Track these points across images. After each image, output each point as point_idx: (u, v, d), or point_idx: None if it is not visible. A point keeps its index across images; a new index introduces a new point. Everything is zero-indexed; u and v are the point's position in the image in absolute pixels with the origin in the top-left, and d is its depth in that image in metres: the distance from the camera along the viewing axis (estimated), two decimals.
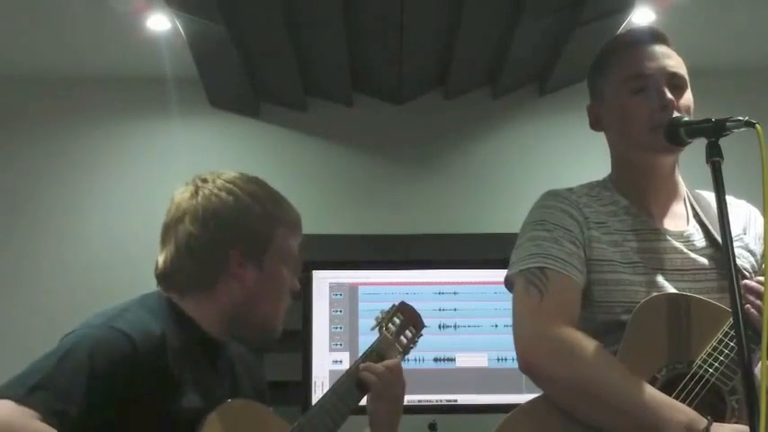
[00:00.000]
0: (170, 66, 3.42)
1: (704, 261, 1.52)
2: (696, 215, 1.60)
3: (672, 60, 1.56)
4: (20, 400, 1.23)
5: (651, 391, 1.36)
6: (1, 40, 3.35)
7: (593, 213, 1.57)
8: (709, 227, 1.56)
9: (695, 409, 1.36)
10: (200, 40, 3.13)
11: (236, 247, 1.49)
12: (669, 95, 1.50)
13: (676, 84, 1.53)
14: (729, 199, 1.60)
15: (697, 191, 1.66)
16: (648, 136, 1.51)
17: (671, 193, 1.61)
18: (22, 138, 3.68)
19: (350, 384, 1.61)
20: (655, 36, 1.59)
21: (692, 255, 1.53)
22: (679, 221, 1.58)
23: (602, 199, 1.61)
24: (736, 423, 1.35)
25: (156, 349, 1.37)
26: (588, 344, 1.42)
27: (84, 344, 1.32)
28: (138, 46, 3.32)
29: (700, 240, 1.55)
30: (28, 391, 1.25)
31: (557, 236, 1.53)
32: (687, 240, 1.55)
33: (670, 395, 1.37)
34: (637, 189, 1.59)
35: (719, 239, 1.45)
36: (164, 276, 1.51)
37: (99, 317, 1.40)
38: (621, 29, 3.10)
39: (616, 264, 1.51)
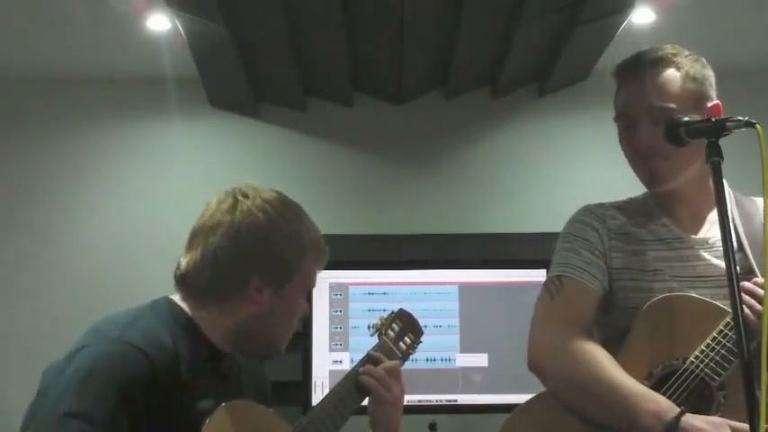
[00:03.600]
0: (170, 66, 3.42)
1: None
2: (732, 221, 1.58)
3: (654, 92, 1.54)
4: None
5: (631, 384, 1.45)
6: (1, 40, 3.36)
7: (618, 225, 1.64)
8: (741, 232, 1.57)
9: (684, 402, 1.44)
10: (200, 40, 3.13)
11: (259, 272, 1.48)
12: (644, 139, 1.54)
13: (658, 117, 1.53)
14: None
15: (743, 196, 1.66)
16: (639, 172, 1.60)
17: (702, 202, 1.62)
18: (22, 138, 3.68)
19: (350, 387, 1.63)
20: (640, 65, 1.58)
21: (715, 261, 1.55)
22: (711, 229, 1.60)
23: (631, 211, 1.67)
24: (720, 417, 1.41)
25: (171, 361, 1.38)
26: (584, 344, 1.52)
27: (104, 364, 1.32)
28: (138, 46, 3.32)
29: None
30: (59, 423, 1.26)
31: (576, 246, 1.62)
32: (712, 247, 1.57)
33: (661, 388, 1.46)
34: (668, 204, 1.64)
35: (748, 245, 1.51)
36: (183, 280, 1.51)
37: (111, 327, 1.40)
38: (621, 29, 3.11)
39: (635, 272, 1.58)
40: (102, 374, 1.31)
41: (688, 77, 1.56)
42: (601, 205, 1.70)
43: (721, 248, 1.52)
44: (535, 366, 1.57)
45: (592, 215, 1.67)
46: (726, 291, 1.47)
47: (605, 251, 1.61)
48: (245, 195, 1.53)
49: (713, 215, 1.60)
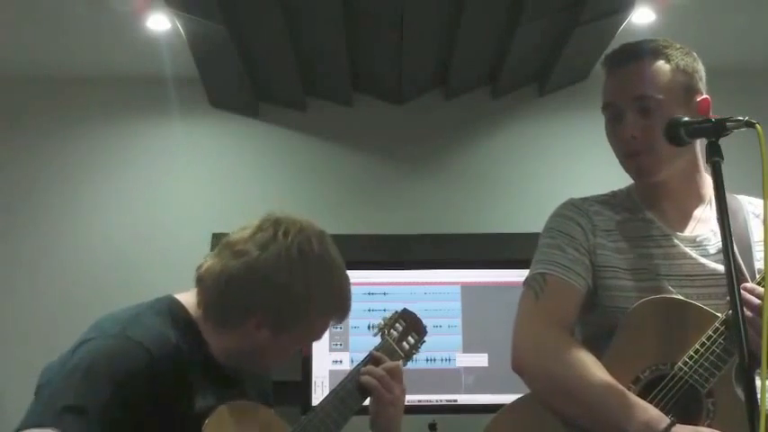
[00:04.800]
0: (170, 66, 3.42)
1: (716, 266, 1.51)
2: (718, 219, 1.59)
3: (642, 82, 1.53)
4: (51, 427, 1.24)
5: (619, 391, 1.40)
6: (1, 40, 3.36)
7: (603, 221, 1.60)
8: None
9: (671, 409, 1.40)
10: (200, 40, 3.13)
11: (263, 313, 1.47)
12: (629, 128, 1.51)
13: (645, 107, 1.52)
14: (759, 201, 1.60)
15: (734, 195, 1.63)
16: (624, 164, 1.57)
17: (689, 199, 1.60)
18: (22, 138, 3.68)
19: (351, 387, 1.63)
20: (632, 54, 1.56)
21: (703, 260, 1.52)
22: (697, 226, 1.58)
23: (616, 206, 1.63)
24: (709, 425, 1.38)
25: (173, 357, 1.38)
26: (568, 345, 1.48)
27: (103, 359, 1.33)
28: (138, 46, 3.33)
29: (714, 245, 1.54)
30: (57, 416, 1.26)
31: (560, 243, 1.57)
32: (699, 245, 1.54)
33: (649, 395, 1.42)
34: (653, 197, 1.61)
35: (735, 244, 1.46)
36: (200, 281, 1.50)
37: (113, 323, 1.40)
38: (621, 29, 3.11)
39: (619, 270, 1.54)
40: (102, 369, 1.31)
41: (678, 70, 1.54)
42: (585, 200, 1.65)
43: (708, 247, 1.53)
44: (520, 368, 1.52)
45: (576, 210, 1.62)
46: (712, 290, 1.48)
47: (590, 248, 1.56)
48: (286, 234, 1.48)
49: (699, 212, 1.59)
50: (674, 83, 1.53)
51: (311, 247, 1.49)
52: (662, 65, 1.54)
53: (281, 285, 1.45)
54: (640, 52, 1.56)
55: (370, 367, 1.65)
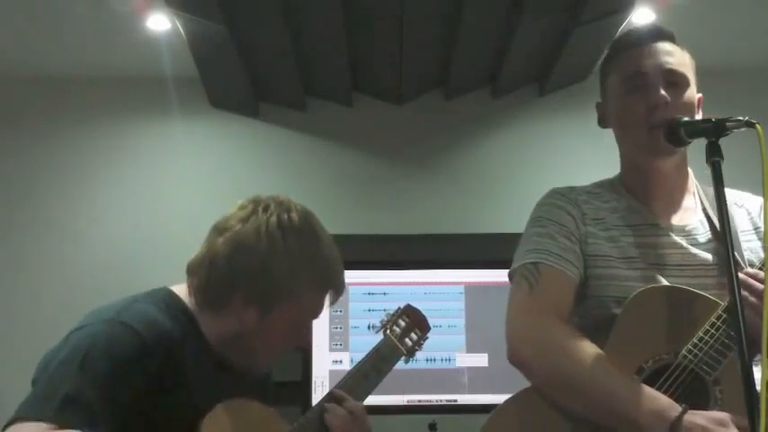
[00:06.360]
0: (170, 66, 3.42)
1: (706, 256, 1.51)
2: (704, 210, 1.59)
3: (672, 57, 1.54)
4: (52, 419, 1.23)
5: (627, 382, 1.38)
6: (1, 40, 3.36)
7: (592, 210, 1.58)
8: (715, 221, 1.54)
9: (679, 398, 1.38)
10: (200, 40, 3.13)
11: (245, 290, 1.46)
12: (662, 93, 1.49)
13: (675, 81, 1.52)
14: (740, 192, 1.61)
15: (707, 186, 1.63)
16: (645, 136, 1.52)
17: (677, 188, 1.60)
18: (22, 137, 3.68)
19: (316, 425, 1.58)
20: (657, 33, 1.58)
21: (693, 250, 1.52)
22: (684, 216, 1.57)
23: (604, 195, 1.62)
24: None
25: (164, 341, 1.38)
26: (570, 336, 1.45)
27: (99, 344, 1.33)
28: (138, 46, 3.33)
29: (703, 235, 1.54)
30: (58, 407, 1.25)
31: (552, 231, 1.56)
32: (689, 235, 1.54)
33: (654, 385, 1.40)
34: (641, 185, 1.59)
35: (723, 235, 1.45)
36: (188, 269, 1.51)
37: (107, 310, 1.41)
38: (621, 29, 3.11)
39: (611, 259, 1.52)
40: (98, 355, 1.31)
41: (692, 62, 1.58)
42: (572, 189, 1.64)
43: (698, 236, 1.53)
44: (519, 361, 1.48)
45: (565, 199, 1.60)
46: (702, 281, 1.48)
47: (581, 237, 1.54)
48: (266, 209, 1.49)
49: (685, 202, 1.59)
50: (692, 71, 1.57)
51: (291, 219, 1.49)
52: (684, 52, 1.58)
53: (260, 259, 1.44)
54: (667, 33, 1.58)
55: (332, 405, 1.59)
